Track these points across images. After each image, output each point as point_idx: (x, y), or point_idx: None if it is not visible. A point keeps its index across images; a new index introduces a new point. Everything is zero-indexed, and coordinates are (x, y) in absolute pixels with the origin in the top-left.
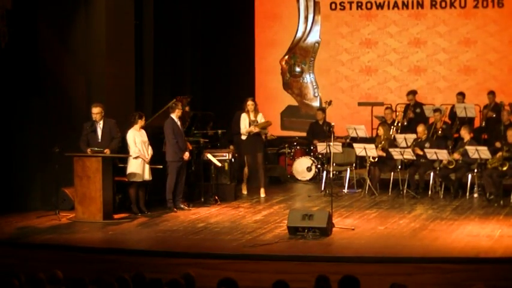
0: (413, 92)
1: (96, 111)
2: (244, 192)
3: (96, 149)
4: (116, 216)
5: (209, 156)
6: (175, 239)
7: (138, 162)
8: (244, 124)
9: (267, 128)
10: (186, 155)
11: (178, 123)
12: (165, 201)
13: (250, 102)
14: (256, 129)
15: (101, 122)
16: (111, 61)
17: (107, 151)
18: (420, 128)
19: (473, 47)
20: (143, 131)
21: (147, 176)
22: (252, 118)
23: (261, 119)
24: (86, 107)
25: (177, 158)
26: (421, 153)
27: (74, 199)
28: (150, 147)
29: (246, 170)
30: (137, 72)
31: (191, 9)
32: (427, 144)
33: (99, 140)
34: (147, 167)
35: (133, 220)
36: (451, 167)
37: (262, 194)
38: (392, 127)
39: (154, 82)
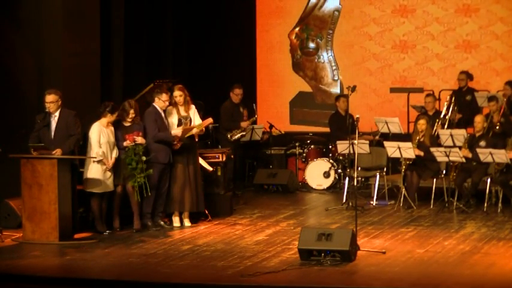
0: (467, 74)
1: (50, 99)
2: (176, 224)
3: (39, 145)
4: (76, 236)
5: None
6: (153, 266)
7: (103, 167)
8: (172, 122)
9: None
10: (177, 144)
11: (163, 115)
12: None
13: (177, 92)
14: (195, 131)
15: (57, 114)
16: (69, 36)
17: (58, 151)
18: (479, 119)
19: None
20: (112, 128)
21: (111, 186)
22: (183, 113)
23: (194, 114)
24: (38, 95)
25: (160, 159)
26: (469, 155)
27: (21, 214)
28: (116, 149)
29: (176, 189)
30: (103, 50)
31: None
32: (482, 143)
33: (52, 137)
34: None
35: (98, 241)
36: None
37: (187, 223)
38: (437, 120)
39: (125, 62)
